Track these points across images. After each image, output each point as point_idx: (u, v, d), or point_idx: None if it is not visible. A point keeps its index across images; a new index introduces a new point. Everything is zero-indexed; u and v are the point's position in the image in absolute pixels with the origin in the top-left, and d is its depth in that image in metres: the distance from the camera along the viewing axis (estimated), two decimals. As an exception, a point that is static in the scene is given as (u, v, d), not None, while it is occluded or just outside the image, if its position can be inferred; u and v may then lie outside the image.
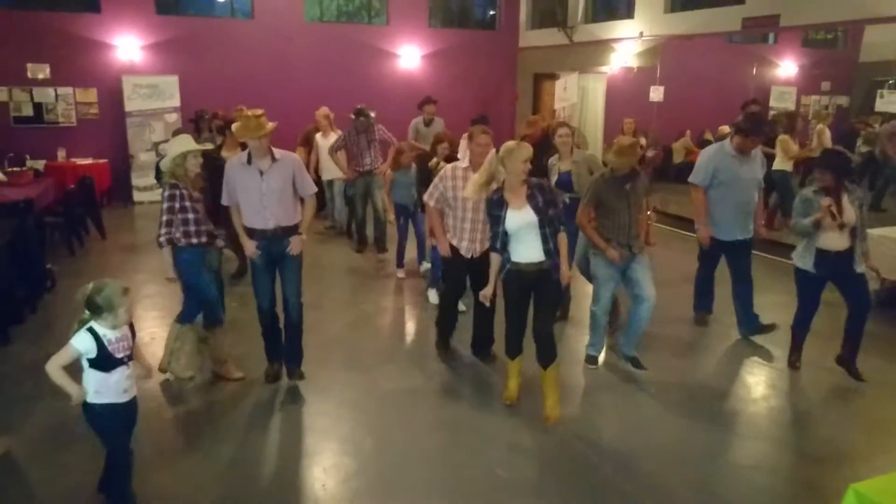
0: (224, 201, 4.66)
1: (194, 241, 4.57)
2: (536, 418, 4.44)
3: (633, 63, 12.02)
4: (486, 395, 4.81)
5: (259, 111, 4.44)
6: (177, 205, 4.51)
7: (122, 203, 11.50)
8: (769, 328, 5.77)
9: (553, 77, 13.60)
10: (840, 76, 15.76)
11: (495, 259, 4.41)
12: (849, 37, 15.70)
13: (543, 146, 7.95)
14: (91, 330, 3.13)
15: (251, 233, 4.58)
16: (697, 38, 10.95)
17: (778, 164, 9.28)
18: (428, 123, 9.19)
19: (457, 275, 5.28)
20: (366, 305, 6.73)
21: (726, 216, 5.56)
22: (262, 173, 4.47)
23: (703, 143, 13.11)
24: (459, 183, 4.94)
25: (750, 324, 5.79)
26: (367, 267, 8.08)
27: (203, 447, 4.11)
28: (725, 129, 13.10)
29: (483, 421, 4.44)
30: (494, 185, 4.34)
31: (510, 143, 4.29)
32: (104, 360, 3.15)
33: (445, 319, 5.52)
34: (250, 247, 4.58)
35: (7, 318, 5.61)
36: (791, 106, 15.42)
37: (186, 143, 4.66)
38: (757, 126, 5.61)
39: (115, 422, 3.28)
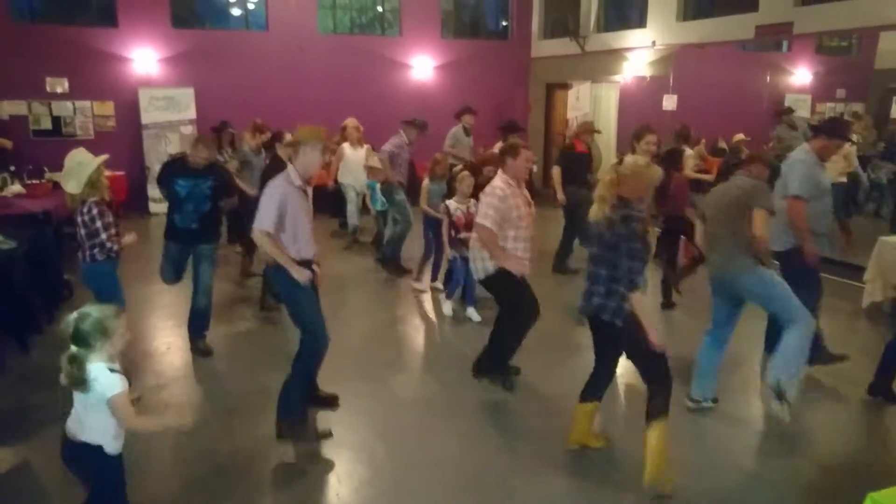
0: (268, 227, 3.95)
1: (112, 253, 4.59)
2: (551, 429, 4.43)
3: (646, 72, 12.01)
4: (500, 406, 4.80)
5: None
6: (108, 220, 4.51)
7: (138, 214, 11.61)
8: (839, 359, 5.24)
9: (565, 86, 13.62)
10: (855, 83, 15.63)
11: (643, 299, 3.68)
12: (863, 44, 15.60)
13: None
14: (110, 368, 2.75)
15: (301, 263, 4.12)
16: (710, 47, 10.93)
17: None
18: (468, 133, 9.05)
19: (525, 295, 4.80)
20: (380, 315, 6.75)
21: (818, 231, 4.96)
22: (307, 195, 4.17)
23: (716, 152, 13.05)
24: (513, 201, 4.59)
25: (819, 352, 5.10)
26: (381, 277, 8.09)
27: (216, 458, 4.12)
28: (740, 136, 13.05)
29: (497, 430, 4.43)
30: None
31: (639, 160, 3.77)
32: None
33: (512, 349, 4.97)
34: (307, 275, 4.09)
35: (25, 327, 5.67)
36: (806, 114, 15.32)
37: (90, 156, 4.51)
38: (842, 128, 5.18)
39: (122, 470, 2.96)
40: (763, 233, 4.23)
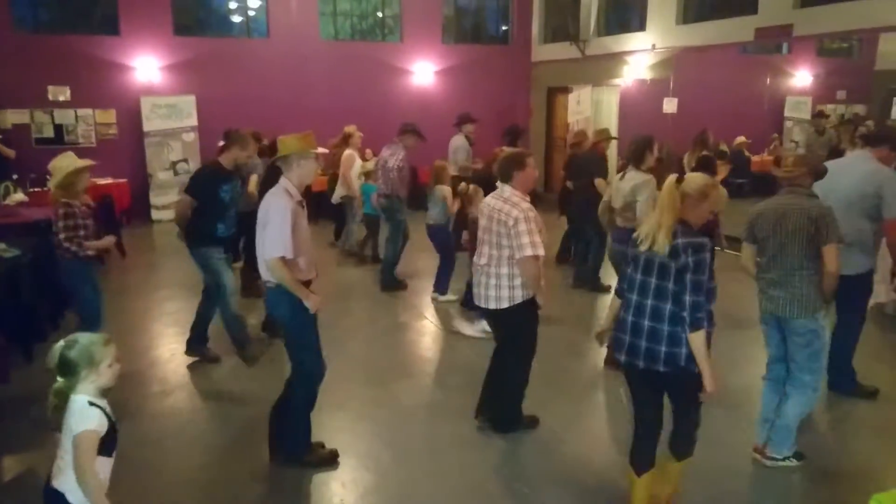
0: (287, 252, 3.62)
1: (83, 254, 4.76)
2: (556, 435, 4.44)
3: (647, 75, 12.03)
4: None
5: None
6: (71, 222, 4.68)
7: (141, 222, 11.64)
8: (872, 393, 4.95)
9: (566, 90, 13.64)
10: (856, 85, 15.66)
11: (701, 339, 3.06)
12: (863, 45, 15.62)
13: (592, 162, 7.67)
14: (91, 402, 2.51)
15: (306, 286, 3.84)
16: (710, 50, 10.95)
17: None
18: (470, 142, 8.73)
19: (536, 329, 4.32)
20: (382, 321, 6.75)
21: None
22: (304, 208, 3.85)
23: (718, 155, 13.05)
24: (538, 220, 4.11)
25: (852, 383, 4.96)
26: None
27: (220, 464, 4.13)
28: (742, 139, 13.05)
29: (502, 437, 4.42)
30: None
31: (704, 178, 3.23)
32: (110, 439, 2.57)
33: (522, 389, 4.41)
34: (318, 301, 3.82)
35: (30, 336, 5.68)
36: (807, 115, 15.34)
37: (75, 160, 4.78)
38: None
39: None
40: (836, 270, 3.78)
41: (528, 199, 4.08)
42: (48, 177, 10.16)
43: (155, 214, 11.73)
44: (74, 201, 4.75)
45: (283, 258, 3.61)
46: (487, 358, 5.36)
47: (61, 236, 4.68)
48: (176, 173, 11.83)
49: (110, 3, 11.63)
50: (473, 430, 4.50)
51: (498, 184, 4.21)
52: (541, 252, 3.93)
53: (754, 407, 4.85)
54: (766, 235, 3.92)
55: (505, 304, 4.11)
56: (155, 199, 11.72)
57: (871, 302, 6.59)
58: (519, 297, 4.08)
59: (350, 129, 9.00)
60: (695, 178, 3.20)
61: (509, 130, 8.43)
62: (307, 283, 3.84)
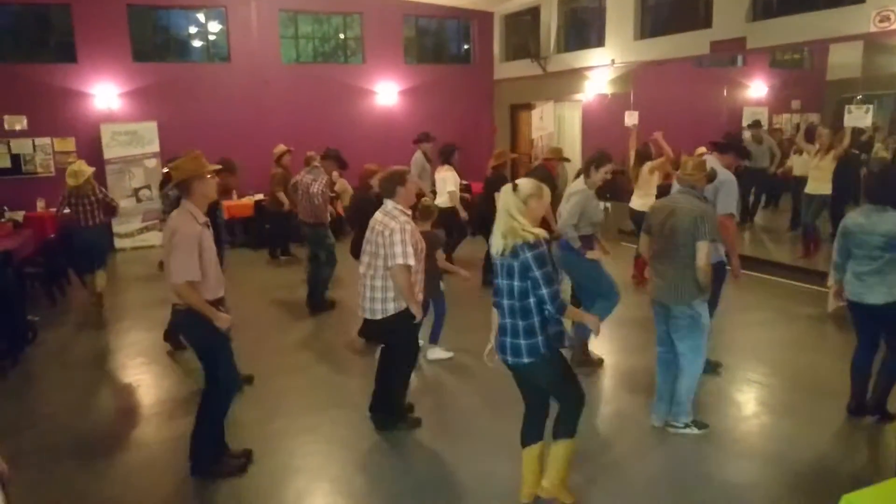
0: (195, 276, 3.76)
1: None
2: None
3: (607, 90, 12.22)
4: (478, 433, 4.76)
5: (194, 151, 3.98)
6: None
7: (103, 251, 11.39)
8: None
9: (529, 107, 13.79)
10: (809, 95, 16.11)
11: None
12: (815, 56, 16.10)
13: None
14: None
15: (213, 303, 3.95)
16: (668, 63, 11.18)
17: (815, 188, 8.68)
18: (429, 160, 8.88)
19: (413, 339, 4.74)
20: (353, 344, 6.67)
21: None
22: (208, 227, 3.99)
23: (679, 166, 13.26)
24: (417, 233, 4.41)
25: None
26: (353, 307, 8.02)
27: (196, 494, 4.03)
28: (702, 149, 13.30)
29: (477, 457, 4.39)
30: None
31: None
32: None
33: (403, 392, 4.82)
34: (228, 319, 3.97)
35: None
36: (764, 126, 15.70)
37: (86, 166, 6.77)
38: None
39: None
40: (704, 264, 4.13)
41: (408, 213, 4.42)
42: (5, 209, 10.03)
43: (118, 243, 11.50)
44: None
45: (191, 282, 3.76)
46: (458, 378, 5.36)
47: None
48: (139, 200, 11.65)
49: (66, 30, 11.50)
50: (447, 451, 4.46)
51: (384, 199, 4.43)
52: (411, 262, 4.20)
53: (711, 416, 4.91)
54: (658, 229, 4.34)
55: (378, 316, 4.39)
56: (117, 227, 11.48)
57: (833, 305, 6.71)
58: (391, 309, 4.34)
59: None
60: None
61: (444, 150, 8.60)
62: (218, 301, 3.99)
